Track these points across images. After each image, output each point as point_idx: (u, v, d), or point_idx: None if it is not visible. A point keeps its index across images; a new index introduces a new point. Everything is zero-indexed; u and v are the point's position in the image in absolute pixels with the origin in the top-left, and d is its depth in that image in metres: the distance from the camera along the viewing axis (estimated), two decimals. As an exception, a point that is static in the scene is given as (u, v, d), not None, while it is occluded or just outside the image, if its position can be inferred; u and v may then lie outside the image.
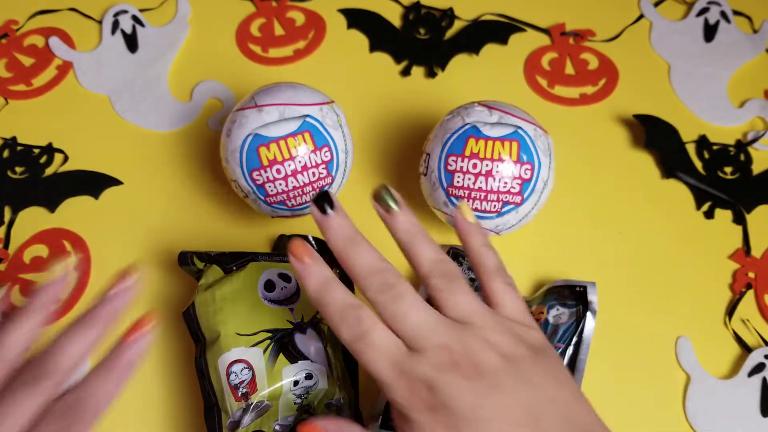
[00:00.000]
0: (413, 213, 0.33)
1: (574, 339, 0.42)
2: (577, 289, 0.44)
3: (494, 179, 0.41)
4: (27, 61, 0.57)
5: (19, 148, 0.52)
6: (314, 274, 0.31)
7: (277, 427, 0.37)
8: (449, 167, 0.42)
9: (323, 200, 0.32)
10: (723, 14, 0.58)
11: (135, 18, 0.58)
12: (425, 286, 0.32)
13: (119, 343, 0.31)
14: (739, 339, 0.45)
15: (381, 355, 0.29)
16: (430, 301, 0.31)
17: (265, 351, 0.38)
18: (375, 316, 0.30)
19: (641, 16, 0.59)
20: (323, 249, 0.47)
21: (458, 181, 0.42)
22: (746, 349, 0.45)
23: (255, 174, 0.42)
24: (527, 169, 0.41)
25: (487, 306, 0.32)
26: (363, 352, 0.29)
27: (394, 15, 0.59)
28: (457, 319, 0.30)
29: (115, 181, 0.51)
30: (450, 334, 0.29)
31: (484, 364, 0.29)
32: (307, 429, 0.30)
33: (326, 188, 0.31)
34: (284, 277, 0.41)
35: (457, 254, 0.46)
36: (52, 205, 0.50)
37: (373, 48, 0.57)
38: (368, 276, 0.31)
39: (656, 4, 0.60)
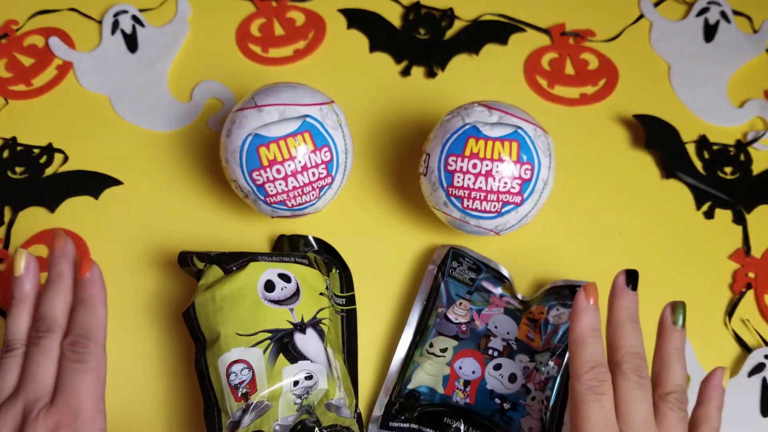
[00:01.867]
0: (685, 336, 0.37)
1: (574, 339, 0.42)
2: (577, 289, 0.44)
3: (494, 179, 0.41)
4: (27, 61, 0.57)
5: (19, 148, 0.52)
6: (590, 317, 0.35)
7: (277, 428, 0.37)
8: (449, 167, 0.42)
9: (634, 279, 0.37)
10: (723, 14, 0.58)
11: (135, 18, 0.58)
12: (661, 400, 0.35)
13: (81, 281, 0.37)
14: (739, 339, 0.45)
15: (601, 416, 0.33)
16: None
17: (265, 351, 0.38)
18: (611, 385, 0.34)
19: (641, 16, 0.59)
20: (323, 247, 0.47)
21: (458, 181, 0.42)
22: (746, 349, 0.45)
23: (255, 174, 0.42)
24: (527, 169, 0.41)
25: None
26: (588, 402, 0.33)
27: (394, 15, 0.59)
28: None
29: (115, 181, 0.51)
30: None
31: None
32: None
33: (633, 274, 0.37)
34: (284, 277, 0.41)
35: (457, 254, 0.46)
36: (52, 205, 0.50)
37: (373, 48, 0.57)
38: (632, 355, 0.35)
39: (656, 4, 0.60)
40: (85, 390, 0.34)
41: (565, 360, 0.42)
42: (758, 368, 0.44)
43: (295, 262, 0.43)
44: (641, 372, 0.34)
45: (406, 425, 0.41)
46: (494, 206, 0.42)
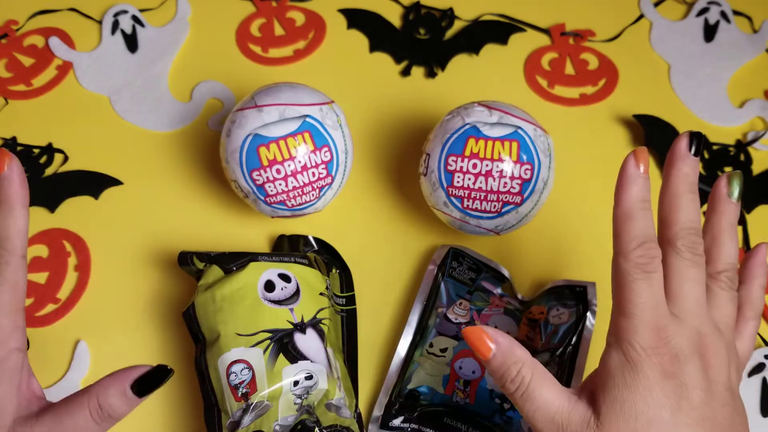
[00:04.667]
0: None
1: (574, 339, 0.42)
2: (577, 289, 0.44)
3: (494, 179, 0.41)
4: (27, 61, 0.57)
5: (19, 148, 0.52)
6: (639, 187, 0.31)
7: (277, 428, 0.37)
8: (449, 167, 0.42)
9: (699, 141, 0.32)
10: (723, 14, 0.58)
11: (135, 18, 0.58)
12: (712, 278, 0.33)
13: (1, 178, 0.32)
14: (739, 339, 0.45)
15: (650, 296, 0.30)
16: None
17: (265, 351, 0.38)
18: (661, 260, 0.31)
19: (641, 16, 0.59)
20: (323, 247, 0.47)
21: (458, 181, 0.42)
22: (746, 349, 0.45)
23: (255, 174, 0.42)
24: (527, 169, 0.41)
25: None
26: (637, 281, 0.30)
27: (394, 15, 0.59)
28: (714, 319, 0.32)
29: (115, 181, 0.51)
30: (709, 327, 0.31)
31: (720, 377, 0.30)
32: (471, 331, 0.31)
33: (702, 137, 0.32)
34: (284, 277, 0.41)
35: (457, 254, 0.46)
36: (52, 205, 0.50)
37: (373, 48, 0.57)
38: (685, 230, 0.31)
39: (656, 4, 0.60)
40: None
41: (566, 356, 0.42)
42: (758, 368, 0.44)
43: (295, 262, 0.43)
44: (697, 250, 0.31)
45: (406, 425, 0.41)
46: (494, 206, 0.42)
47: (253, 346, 0.38)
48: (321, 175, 0.42)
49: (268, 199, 0.42)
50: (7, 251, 0.31)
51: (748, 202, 0.50)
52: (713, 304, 0.32)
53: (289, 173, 0.41)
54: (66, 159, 0.52)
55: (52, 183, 0.51)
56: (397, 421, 0.41)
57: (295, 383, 0.38)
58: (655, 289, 0.30)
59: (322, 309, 0.42)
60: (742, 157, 0.52)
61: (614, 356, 0.30)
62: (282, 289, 0.41)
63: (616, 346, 0.30)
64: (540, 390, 0.30)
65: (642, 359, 0.29)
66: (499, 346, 0.31)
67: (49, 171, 0.51)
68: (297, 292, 0.41)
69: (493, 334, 0.31)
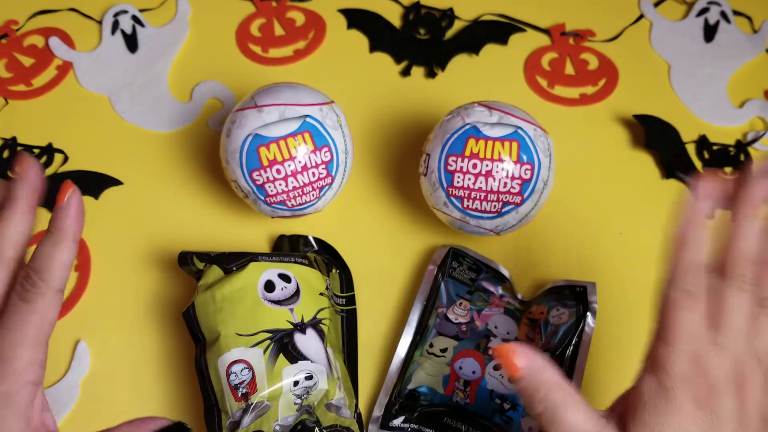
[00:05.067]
0: None
1: (574, 339, 0.42)
2: (577, 289, 0.44)
3: (494, 179, 0.41)
4: (27, 61, 0.57)
5: (19, 148, 0.52)
6: (698, 211, 0.31)
7: (277, 428, 0.37)
8: (449, 167, 0.42)
9: None
10: (723, 14, 0.58)
11: (135, 18, 0.58)
12: (759, 305, 0.32)
13: (56, 209, 0.32)
14: (739, 339, 0.45)
15: (692, 324, 0.29)
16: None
17: (265, 351, 0.38)
18: (707, 289, 0.30)
19: (641, 16, 0.59)
20: (323, 247, 0.47)
21: (458, 181, 0.42)
22: (746, 349, 0.45)
23: (255, 174, 0.42)
24: (527, 169, 0.41)
25: None
26: (680, 309, 0.30)
27: (394, 15, 0.59)
28: (755, 348, 0.31)
29: (115, 181, 0.51)
30: (749, 357, 0.30)
31: (755, 409, 0.29)
32: (502, 349, 0.30)
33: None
34: (284, 278, 0.41)
35: (457, 254, 0.46)
36: (52, 205, 0.50)
37: (373, 48, 0.57)
38: (740, 261, 0.31)
39: (656, 4, 0.60)
40: (22, 334, 0.29)
41: (566, 356, 0.41)
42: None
43: (295, 262, 0.43)
44: (749, 279, 0.30)
45: (407, 425, 0.41)
46: (494, 206, 0.42)
47: (253, 346, 0.38)
48: (321, 175, 0.42)
49: (268, 199, 0.42)
50: (44, 282, 0.30)
51: (748, 202, 0.50)
52: (757, 331, 0.31)
53: (289, 173, 0.41)
54: (66, 159, 0.52)
55: (52, 183, 0.51)
56: (397, 421, 0.41)
57: (295, 383, 0.38)
58: (698, 319, 0.30)
59: (322, 309, 0.42)
60: (742, 157, 0.52)
61: (649, 381, 0.30)
62: (282, 289, 0.41)
63: (651, 371, 0.30)
64: (567, 412, 0.29)
65: (677, 387, 0.29)
66: (529, 366, 0.30)
67: (49, 171, 0.51)
68: (297, 292, 0.41)
69: (524, 353, 0.31)
